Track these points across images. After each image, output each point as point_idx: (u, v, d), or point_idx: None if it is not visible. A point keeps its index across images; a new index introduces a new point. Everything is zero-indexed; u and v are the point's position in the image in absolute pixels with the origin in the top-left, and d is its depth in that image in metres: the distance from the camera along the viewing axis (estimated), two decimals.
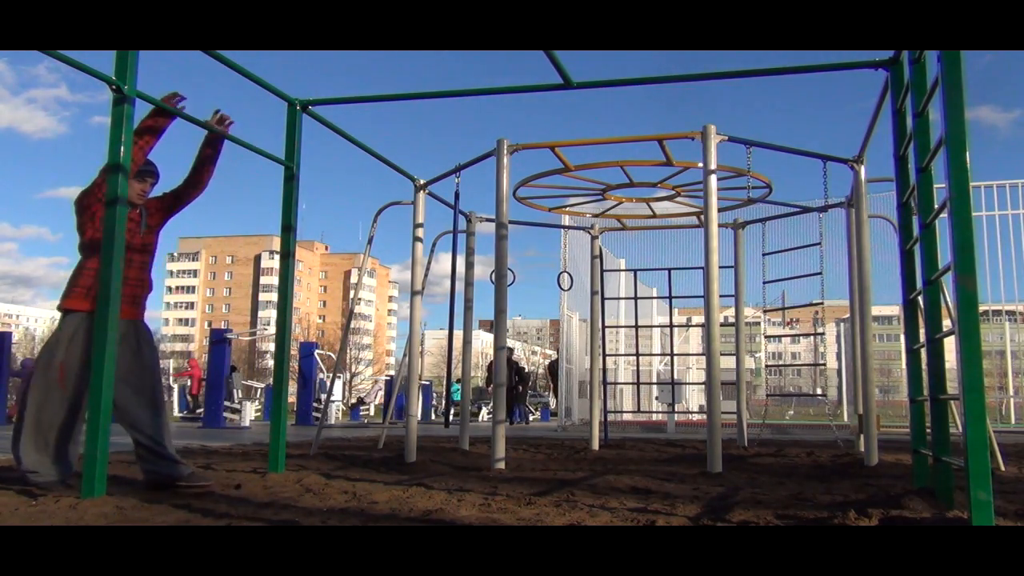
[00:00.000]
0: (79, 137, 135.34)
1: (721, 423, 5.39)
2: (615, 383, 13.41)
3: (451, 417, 9.23)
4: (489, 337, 63.39)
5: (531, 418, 22.13)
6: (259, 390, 20.75)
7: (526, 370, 26.75)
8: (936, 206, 3.28)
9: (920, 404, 3.73)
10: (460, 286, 6.90)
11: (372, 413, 22.06)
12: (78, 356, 3.70)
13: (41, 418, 3.67)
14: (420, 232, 6.60)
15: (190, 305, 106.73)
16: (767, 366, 14.24)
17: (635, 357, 9.64)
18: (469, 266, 7.72)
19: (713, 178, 5.49)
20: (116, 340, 3.51)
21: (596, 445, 7.82)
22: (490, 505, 3.37)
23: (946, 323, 3.54)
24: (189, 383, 18.24)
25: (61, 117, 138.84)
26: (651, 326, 13.86)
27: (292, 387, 19.55)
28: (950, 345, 3.02)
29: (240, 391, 15.94)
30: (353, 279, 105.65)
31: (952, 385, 3.43)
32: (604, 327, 8.68)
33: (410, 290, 6.79)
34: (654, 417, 15.00)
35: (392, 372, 30.34)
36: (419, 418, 6.94)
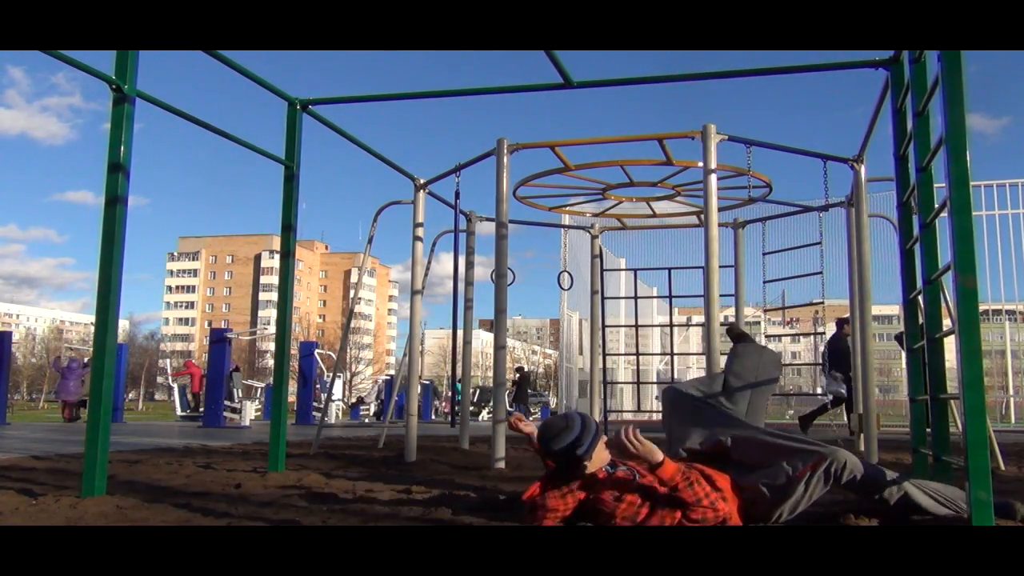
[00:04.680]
0: (87, 142, 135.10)
1: None
2: (615, 382, 13.41)
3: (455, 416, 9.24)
4: (489, 336, 63.42)
5: (531, 417, 22.30)
6: (259, 390, 20.74)
7: (526, 369, 27.14)
8: (936, 205, 3.28)
9: (920, 403, 3.72)
10: (460, 285, 6.91)
11: (372, 413, 22.06)
12: None
13: None
14: (420, 231, 6.60)
15: (190, 305, 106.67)
16: None
17: (635, 356, 9.65)
18: (469, 265, 7.72)
19: (713, 177, 5.49)
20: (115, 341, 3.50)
21: None
22: None
23: (946, 322, 3.54)
24: (190, 381, 18.23)
25: (73, 124, 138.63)
26: (651, 325, 13.85)
27: (292, 386, 19.55)
28: (950, 345, 3.02)
29: (240, 391, 15.92)
30: (353, 278, 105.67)
31: (952, 385, 3.43)
32: (604, 326, 8.68)
33: (410, 290, 6.79)
34: (654, 417, 14.99)
35: (392, 372, 30.39)
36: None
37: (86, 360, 19.21)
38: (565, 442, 2.68)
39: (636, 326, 9.00)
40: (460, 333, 7.09)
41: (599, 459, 2.74)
